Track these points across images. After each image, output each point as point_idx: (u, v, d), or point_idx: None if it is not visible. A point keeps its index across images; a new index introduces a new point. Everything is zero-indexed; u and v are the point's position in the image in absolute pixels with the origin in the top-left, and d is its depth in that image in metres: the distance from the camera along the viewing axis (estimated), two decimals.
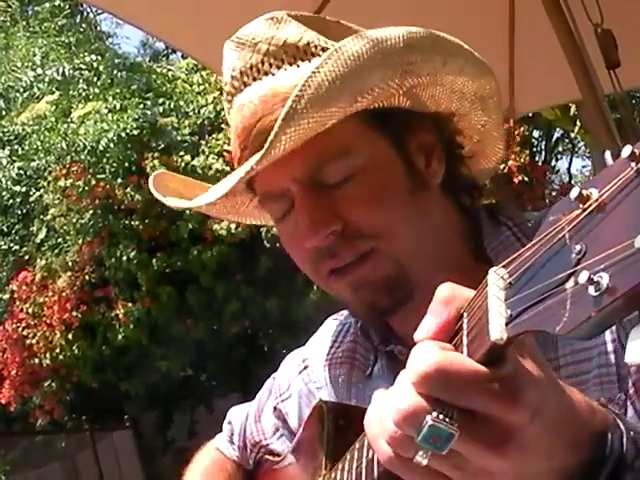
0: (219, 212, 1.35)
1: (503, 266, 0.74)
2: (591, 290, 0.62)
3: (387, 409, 0.77)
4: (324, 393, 1.39)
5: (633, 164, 0.63)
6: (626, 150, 0.63)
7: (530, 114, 8.92)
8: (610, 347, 1.07)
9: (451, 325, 0.78)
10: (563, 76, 3.16)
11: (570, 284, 0.65)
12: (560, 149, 17.30)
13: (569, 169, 17.95)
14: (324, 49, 1.17)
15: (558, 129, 15.23)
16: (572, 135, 15.27)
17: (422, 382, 0.73)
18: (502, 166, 10.46)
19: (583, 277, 0.63)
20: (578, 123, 11.72)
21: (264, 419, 1.54)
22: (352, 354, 1.37)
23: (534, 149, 15.10)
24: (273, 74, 1.17)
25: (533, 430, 0.74)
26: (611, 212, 0.64)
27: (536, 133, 15.21)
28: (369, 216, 1.15)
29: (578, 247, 0.65)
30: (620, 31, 3.00)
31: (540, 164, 13.87)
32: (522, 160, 10.68)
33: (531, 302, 0.68)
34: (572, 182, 16.77)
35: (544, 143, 16.05)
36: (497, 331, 0.70)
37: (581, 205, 0.66)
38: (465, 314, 0.77)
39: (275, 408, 1.50)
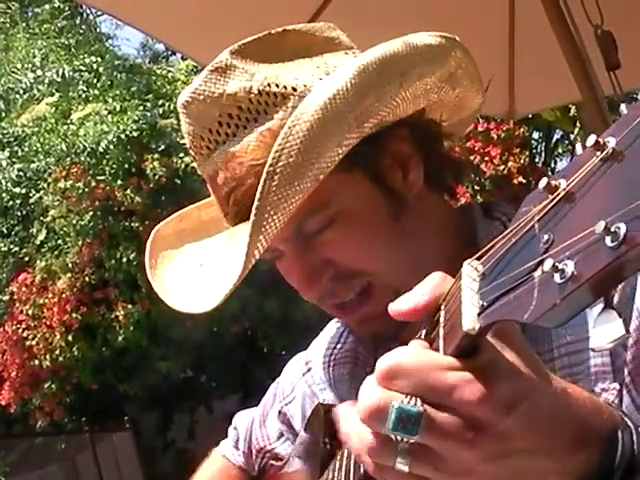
0: None
1: (477, 258, 0.76)
2: (556, 278, 0.63)
3: (358, 414, 0.78)
4: (328, 394, 1.39)
5: (598, 153, 0.64)
6: (591, 139, 0.64)
7: (530, 115, 8.92)
8: None
9: (427, 308, 0.79)
10: (563, 77, 3.17)
11: (538, 273, 0.66)
12: (560, 150, 17.27)
13: None
14: (276, 94, 1.15)
15: (558, 130, 15.22)
16: (572, 137, 15.26)
17: (380, 379, 0.75)
18: (502, 167, 10.47)
19: (548, 265, 0.64)
20: (578, 124, 11.72)
21: (269, 424, 1.54)
22: (354, 354, 1.37)
23: (534, 150, 15.08)
24: (234, 135, 1.16)
25: (510, 423, 0.73)
26: (577, 201, 0.65)
27: (536, 134, 15.19)
28: (357, 256, 1.17)
29: (546, 236, 0.66)
30: (620, 32, 3.00)
31: (540, 165, 13.87)
32: (521, 161, 10.67)
33: (502, 291, 0.69)
34: None
35: (544, 144, 16.03)
36: (469, 321, 0.71)
37: (550, 195, 0.67)
38: (442, 306, 0.78)
39: (280, 412, 1.50)
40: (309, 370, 1.45)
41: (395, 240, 1.18)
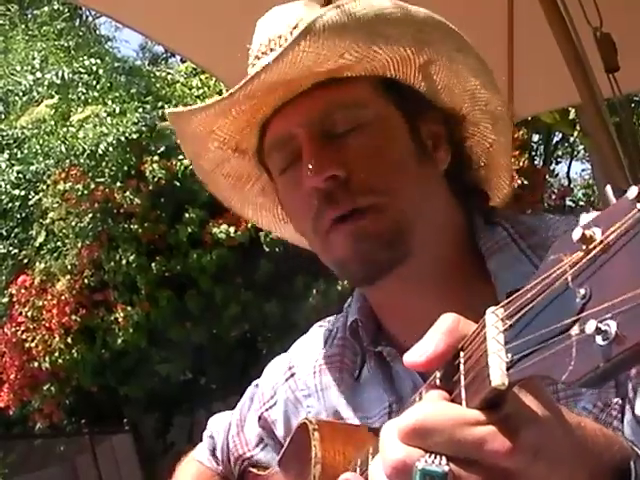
0: (223, 185, 1.35)
1: (502, 306, 0.73)
2: (598, 339, 0.60)
3: (383, 469, 0.76)
4: (312, 400, 1.38)
5: (639, 205, 0.61)
6: (632, 191, 0.61)
7: (529, 118, 8.92)
8: None
9: (445, 356, 0.76)
10: (562, 80, 3.16)
11: (575, 331, 0.63)
12: (559, 153, 17.31)
13: (568, 173, 18.00)
14: None
15: (557, 133, 15.23)
16: (571, 139, 15.28)
17: (404, 436, 0.73)
18: None
19: (591, 326, 0.61)
20: (577, 127, 11.72)
21: (247, 429, 1.51)
22: (340, 358, 1.35)
23: (533, 153, 15.10)
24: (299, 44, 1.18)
25: (537, 470, 0.72)
26: (616, 255, 0.62)
27: (535, 137, 15.21)
28: (374, 171, 1.16)
29: (582, 291, 0.63)
30: (619, 35, 3.00)
31: (539, 167, 13.87)
32: (521, 163, 10.68)
33: (533, 347, 0.66)
34: (571, 186, 16.79)
35: (543, 147, 16.05)
36: (498, 376, 0.69)
37: (584, 246, 0.64)
38: (462, 354, 0.75)
39: (260, 417, 1.47)
40: (292, 375, 1.43)
41: (413, 178, 1.19)
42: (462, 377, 0.74)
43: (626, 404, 1.05)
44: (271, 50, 1.21)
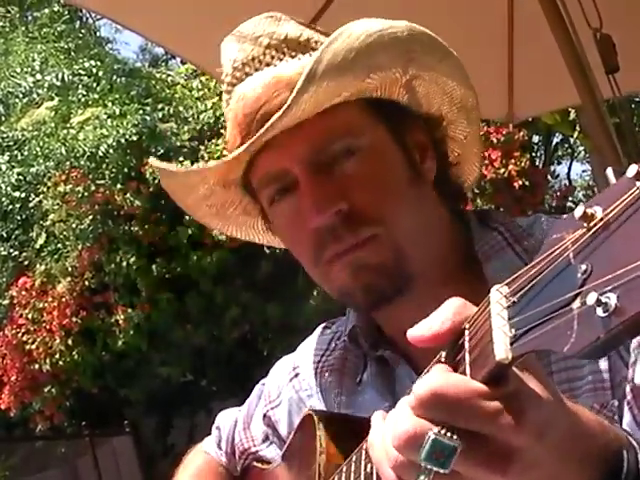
0: (206, 213, 1.34)
1: (506, 284, 0.74)
2: (599, 311, 0.61)
3: (388, 433, 0.76)
4: (314, 401, 1.39)
5: (639, 183, 0.62)
6: (632, 169, 0.63)
7: (530, 119, 8.93)
8: None
9: (449, 335, 0.77)
10: (562, 81, 3.16)
11: (576, 304, 0.64)
12: (560, 154, 17.32)
13: (569, 173, 17.99)
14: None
15: (558, 134, 15.24)
16: (572, 140, 15.29)
17: (419, 406, 0.73)
18: (502, 170, 10.47)
19: (591, 298, 0.62)
20: (577, 128, 11.74)
21: (253, 426, 1.53)
22: (342, 362, 1.36)
23: (534, 154, 15.11)
24: (275, 65, 1.20)
25: (538, 451, 0.73)
26: (616, 231, 0.63)
27: (536, 138, 15.22)
28: (373, 199, 1.16)
29: (583, 267, 0.64)
30: (619, 36, 3.00)
31: (540, 168, 13.88)
32: (522, 165, 10.67)
33: (536, 322, 0.68)
34: (572, 186, 16.80)
35: (544, 148, 16.07)
36: (502, 350, 0.70)
37: (585, 224, 0.66)
38: (467, 331, 0.76)
39: (265, 415, 1.49)
40: (296, 375, 1.44)
41: (410, 202, 1.18)
42: (467, 354, 0.75)
43: (624, 405, 1.04)
44: (246, 75, 1.21)
